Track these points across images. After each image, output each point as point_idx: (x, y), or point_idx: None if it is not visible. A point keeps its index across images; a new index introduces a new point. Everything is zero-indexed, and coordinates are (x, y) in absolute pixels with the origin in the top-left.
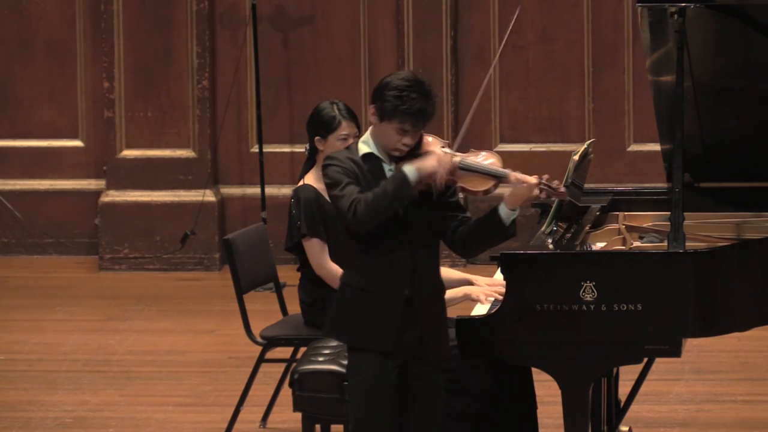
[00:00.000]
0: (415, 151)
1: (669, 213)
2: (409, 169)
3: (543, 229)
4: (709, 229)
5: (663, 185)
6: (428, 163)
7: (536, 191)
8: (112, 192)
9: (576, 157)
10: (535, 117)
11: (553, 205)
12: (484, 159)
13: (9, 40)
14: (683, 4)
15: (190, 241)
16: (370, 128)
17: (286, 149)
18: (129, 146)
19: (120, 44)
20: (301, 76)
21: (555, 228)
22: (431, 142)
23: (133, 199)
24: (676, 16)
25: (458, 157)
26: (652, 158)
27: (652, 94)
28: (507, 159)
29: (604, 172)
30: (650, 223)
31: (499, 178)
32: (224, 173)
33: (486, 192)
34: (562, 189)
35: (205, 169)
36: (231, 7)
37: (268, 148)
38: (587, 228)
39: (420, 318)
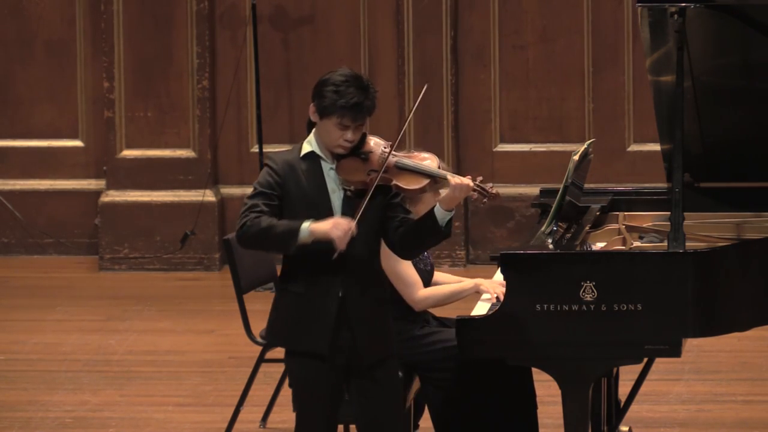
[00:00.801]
0: (358, 150)
1: (669, 213)
2: (305, 227)
3: (543, 229)
4: (709, 229)
5: (663, 185)
6: (323, 227)
7: (470, 192)
8: (112, 192)
9: (576, 157)
10: (535, 117)
11: (554, 205)
12: (421, 159)
13: (9, 40)
14: (683, 4)
15: (190, 241)
16: (315, 128)
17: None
18: (129, 146)
19: (120, 44)
20: (301, 76)
21: (555, 228)
22: (374, 143)
23: (133, 199)
24: (676, 16)
25: (395, 157)
26: (652, 158)
27: (652, 94)
28: (507, 159)
29: (604, 172)
30: (650, 223)
31: (433, 178)
32: (224, 173)
33: (421, 190)
34: (495, 191)
35: (205, 169)
36: (231, 7)
37: (268, 148)
38: (587, 228)
39: (353, 319)
